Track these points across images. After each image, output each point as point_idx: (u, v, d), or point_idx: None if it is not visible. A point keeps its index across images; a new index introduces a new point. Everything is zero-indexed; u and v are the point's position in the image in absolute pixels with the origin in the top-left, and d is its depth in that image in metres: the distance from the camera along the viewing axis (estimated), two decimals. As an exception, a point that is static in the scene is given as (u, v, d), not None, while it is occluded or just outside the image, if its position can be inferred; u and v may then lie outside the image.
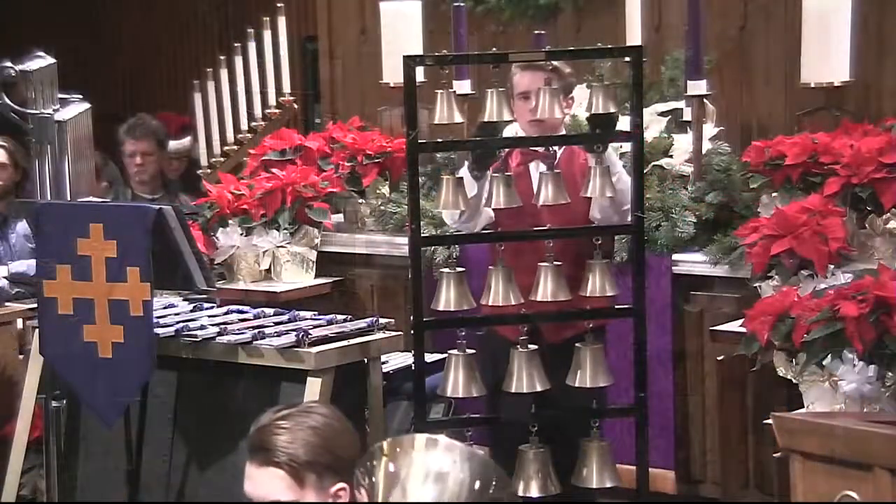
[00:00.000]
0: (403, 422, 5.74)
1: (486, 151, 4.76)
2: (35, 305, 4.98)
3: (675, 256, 5.63)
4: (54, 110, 5.02)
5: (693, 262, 5.61)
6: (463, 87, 6.19)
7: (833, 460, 3.74)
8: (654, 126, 6.06)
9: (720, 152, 5.89)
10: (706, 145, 5.87)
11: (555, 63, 4.82)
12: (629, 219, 4.83)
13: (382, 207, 6.40)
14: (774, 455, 4.47)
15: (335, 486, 3.06)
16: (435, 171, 6.14)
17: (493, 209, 4.79)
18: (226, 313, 5.13)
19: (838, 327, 4.34)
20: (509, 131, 5.63)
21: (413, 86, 4.64)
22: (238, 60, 7.60)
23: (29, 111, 5.00)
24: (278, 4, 7.57)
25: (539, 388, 4.71)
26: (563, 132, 5.09)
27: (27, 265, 6.25)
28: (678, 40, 6.20)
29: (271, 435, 3.07)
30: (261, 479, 3.07)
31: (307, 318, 4.97)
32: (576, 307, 4.80)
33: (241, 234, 6.19)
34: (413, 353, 4.73)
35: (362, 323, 4.87)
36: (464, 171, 4.85)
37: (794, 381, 4.60)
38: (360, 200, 6.46)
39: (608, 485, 4.82)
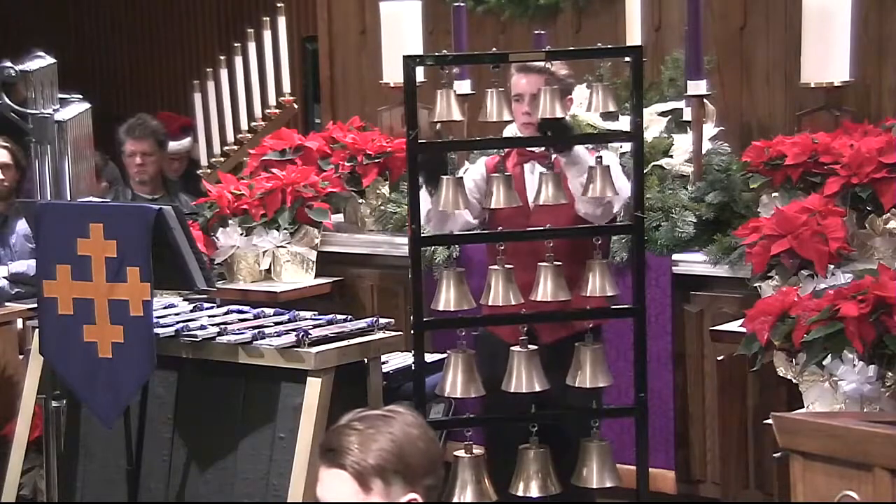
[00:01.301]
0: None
1: (434, 167, 4.75)
2: (35, 305, 4.97)
3: (675, 256, 5.63)
4: (54, 110, 5.02)
5: (693, 262, 5.61)
6: (463, 87, 6.19)
7: (833, 460, 3.74)
8: (654, 126, 6.06)
9: (720, 152, 5.90)
10: (706, 145, 5.87)
11: (551, 65, 4.80)
12: (615, 210, 4.83)
13: (382, 207, 6.40)
14: (774, 455, 4.47)
15: (406, 496, 2.94)
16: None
17: (493, 209, 4.79)
18: (226, 313, 5.13)
19: (838, 327, 4.34)
20: (508, 131, 5.64)
21: (413, 86, 4.64)
22: (238, 60, 7.60)
23: (29, 111, 5.00)
24: (278, 4, 7.58)
25: (538, 389, 4.71)
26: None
27: (27, 265, 6.25)
28: (678, 40, 6.20)
29: (343, 435, 2.96)
30: (327, 481, 2.97)
31: (307, 318, 4.97)
32: (575, 307, 4.80)
33: (241, 234, 6.19)
34: (413, 353, 4.73)
35: (362, 323, 4.87)
36: (465, 172, 4.85)
37: (794, 381, 4.60)
38: (360, 200, 6.46)
39: (608, 485, 4.82)
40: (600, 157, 4.70)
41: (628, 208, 4.91)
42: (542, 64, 4.81)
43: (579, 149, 4.83)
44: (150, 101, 9.49)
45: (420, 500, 2.93)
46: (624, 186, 4.82)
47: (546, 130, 4.76)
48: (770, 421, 3.98)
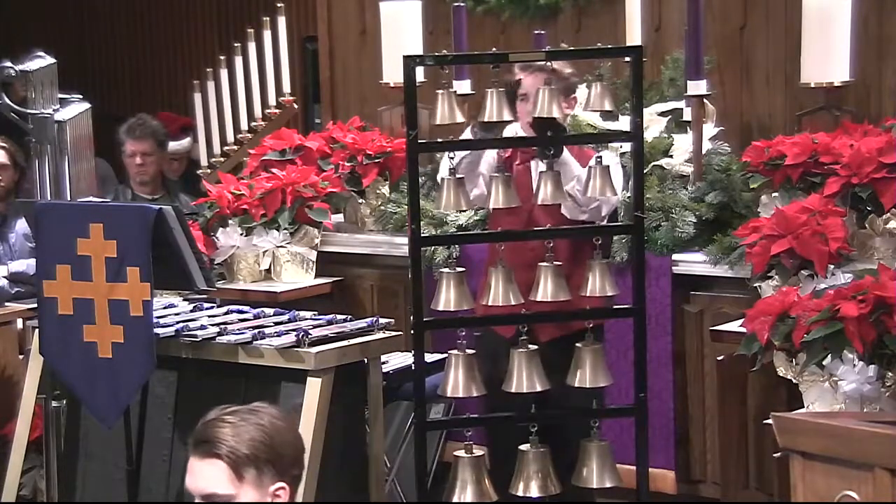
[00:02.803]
0: (403, 422, 5.75)
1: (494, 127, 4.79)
2: (35, 305, 4.97)
3: (675, 256, 5.63)
4: (54, 110, 5.03)
5: (693, 262, 5.61)
6: (463, 87, 6.19)
7: (833, 460, 3.74)
8: (654, 126, 6.06)
9: (720, 152, 5.89)
10: (706, 145, 5.87)
11: (554, 64, 4.81)
12: (603, 213, 4.84)
13: (382, 207, 6.40)
14: (774, 455, 4.47)
15: (275, 485, 3.09)
16: (435, 171, 6.14)
17: (493, 209, 4.79)
18: (226, 313, 5.13)
19: (838, 327, 4.34)
20: (509, 131, 5.63)
21: (413, 86, 4.64)
22: (238, 60, 7.60)
23: (29, 111, 5.00)
24: (278, 4, 7.57)
25: (538, 388, 4.71)
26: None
27: (27, 265, 6.24)
28: (678, 40, 6.20)
29: (215, 428, 3.10)
30: (201, 472, 3.09)
31: (307, 318, 4.97)
32: (575, 307, 4.80)
33: (241, 234, 6.19)
34: (413, 353, 4.73)
35: (362, 323, 4.87)
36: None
37: (794, 381, 4.60)
38: (360, 200, 6.46)
39: (608, 485, 4.82)
40: (600, 157, 4.70)
41: (628, 208, 4.91)
42: (547, 63, 4.82)
43: (566, 155, 4.84)
44: (150, 101, 9.48)
45: (287, 488, 3.09)
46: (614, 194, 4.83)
47: (540, 129, 4.76)
48: (770, 421, 3.98)
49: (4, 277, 6.37)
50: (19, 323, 5.92)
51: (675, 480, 5.67)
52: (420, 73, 5.74)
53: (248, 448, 3.06)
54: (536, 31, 6.40)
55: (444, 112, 4.70)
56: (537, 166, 4.91)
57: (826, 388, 4.47)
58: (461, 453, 4.73)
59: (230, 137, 7.68)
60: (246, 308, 5.17)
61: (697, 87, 5.74)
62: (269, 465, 3.08)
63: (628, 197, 4.88)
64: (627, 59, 4.83)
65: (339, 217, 6.57)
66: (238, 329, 4.82)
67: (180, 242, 4.71)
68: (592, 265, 4.73)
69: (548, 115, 4.65)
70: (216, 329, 4.79)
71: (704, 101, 5.86)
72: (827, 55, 5.76)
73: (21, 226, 6.49)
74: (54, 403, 4.95)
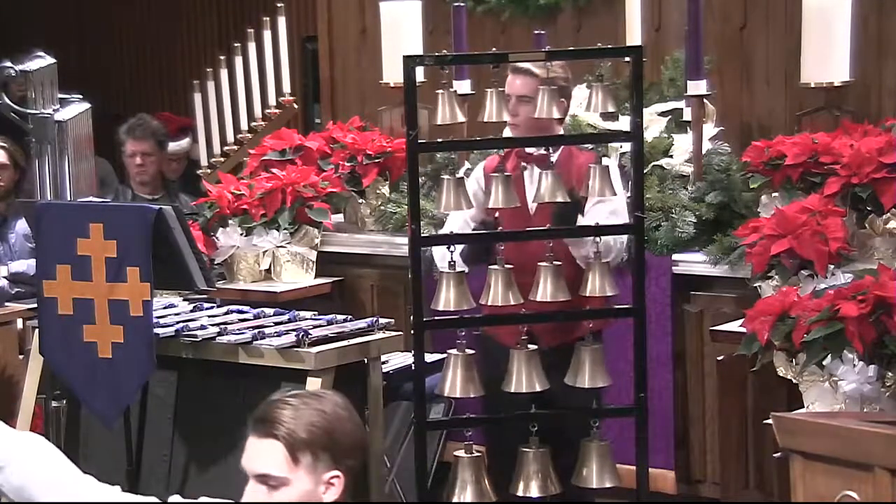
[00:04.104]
0: (403, 422, 5.75)
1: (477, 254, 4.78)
2: (35, 305, 4.97)
3: (675, 256, 5.63)
4: (54, 110, 5.03)
5: (693, 262, 5.61)
6: (463, 87, 6.19)
7: (833, 460, 3.74)
8: (654, 126, 6.06)
9: (720, 152, 5.89)
10: (706, 145, 5.87)
11: (550, 65, 4.79)
12: (611, 257, 4.83)
13: (382, 207, 6.40)
14: (774, 455, 4.47)
15: (329, 473, 3.06)
16: (435, 171, 6.14)
17: (493, 209, 4.78)
18: (226, 313, 5.13)
19: (838, 327, 4.34)
20: (509, 132, 5.62)
21: (413, 86, 4.64)
22: (238, 60, 7.60)
23: (29, 111, 5.00)
24: (278, 4, 7.57)
25: (538, 389, 4.71)
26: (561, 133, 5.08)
27: (27, 265, 6.25)
28: (678, 40, 6.20)
29: (276, 409, 3.07)
30: (258, 451, 3.07)
31: (307, 318, 4.97)
32: (575, 308, 4.80)
33: (241, 234, 6.19)
34: (413, 353, 4.73)
35: (362, 323, 4.87)
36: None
37: (794, 381, 4.59)
38: (360, 200, 6.46)
39: (608, 485, 4.82)
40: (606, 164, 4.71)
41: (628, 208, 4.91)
42: (532, 67, 4.80)
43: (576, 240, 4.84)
44: (150, 101, 9.49)
45: (342, 478, 3.05)
46: (619, 239, 4.82)
47: (556, 218, 4.75)
48: (770, 421, 3.98)
49: (4, 277, 6.37)
50: (19, 323, 5.92)
51: (675, 480, 5.67)
52: (420, 73, 5.74)
53: (306, 432, 3.03)
54: (536, 31, 6.40)
55: (444, 112, 4.70)
56: (531, 172, 4.90)
57: (826, 388, 4.47)
58: (461, 453, 4.73)
59: (230, 137, 7.69)
60: (246, 308, 5.17)
61: (697, 87, 5.74)
62: (325, 451, 3.05)
63: (628, 197, 4.87)
64: (627, 59, 4.83)
65: (339, 217, 6.57)
66: (238, 329, 4.82)
67: (180, 242, 4.71)
68: (592, 265, 4.72)
69: (550, 199, 4.66)
70: (216, 329, 4.79)
71: (704, 101, 5.86)
72: (827, 55, 5.76)
73: (21, 226, 6.49)
74: (54, 403, 4.95)
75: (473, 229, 4.84)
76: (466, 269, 4.79)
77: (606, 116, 5.84)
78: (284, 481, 3.05)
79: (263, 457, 3.07)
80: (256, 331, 4.77)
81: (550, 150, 4.83)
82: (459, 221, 4.93)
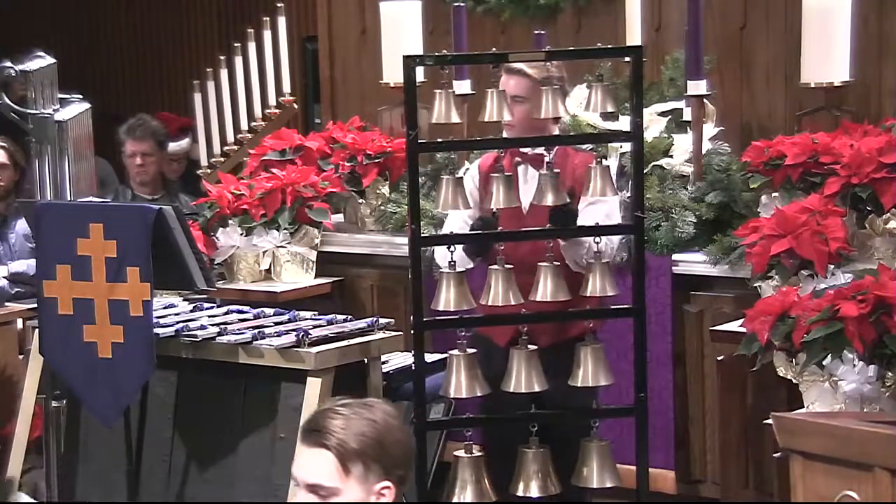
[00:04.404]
0: (403, 422, 5.74)
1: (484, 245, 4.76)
2: (35, 305, 4.97)
3: (675, 256, 5.63)
4: (54, 110, 5.02)
5: (693, 262, 5.61)
6: (463, 87, 6.19)
7: (833, 460, 3.74)
8: (654, 126, 6.06)
9: (720, 152, 5.89)
10: (706, 145, 5.87)
11: (526, 69, 4.78)
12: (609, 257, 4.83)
13: (382, 207, 6.40)
14: (774, 455, 4.47)
15: (380, 484, 3.03)
16: (435, 171, 6.14)
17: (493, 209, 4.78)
18: (226, 313, 5.13)
19: (838, 327, 4.34)
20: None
21: (413, 86, 4.64)
22: (238, 60, 7.60)
23: (29, 111, 5.00)
24: (278, 4, 7.57)
25: (537, 389, 4.71)
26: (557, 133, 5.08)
27: (27, 265, 6.25)
28: (678, 40, 6.20)
29: (327, 418, 3.05)
30: (308, 460, 3.04)
31: (307, 318, 4.97)
32: (575, 308, 4.80)
33: (241, 234, 6.19)
34: (413, 353, 4.73)
35: (362, 323, 4.87)
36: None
37: (794, 381, 4.60)
38: (360, 200, 6.46)
39: (608, 485, 4.82)
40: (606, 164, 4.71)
41: (628, 208, 4.91)
42: (525, 67, 4.80)
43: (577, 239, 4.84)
44: (150, 101, 9.49)
45: (393, 488, 3.02)
46: (610, 243, 4.82)
47: (553, 220, 4.74)
48: (770, 421, 3.98)
49: (4, 277, 6.38)
50: (19, 323, 5.92)
51: (675, 480, 5.67)
52: (420, 73, 5.73)
53: (357, 443, 3.01)
54: (536, 31, 6.40)
55: (441, 111, 4.70)
56: (525, 172, 4.90)
57: (826, 388, 4.47)
58: (461, 453, 4.73)
59: (230, 137, 7.69)
60: (246, 308, 5.17)
61: (697, 87, 5.74)
62: (376, 462, 3.02)
63: (628, 197, 4.87)
64: (627, 59, 4.83)
65: (339, 217, 6.57)
66: (238, 329, 4.82)
67: (180, 242, 4.71)
68: (592, 265, 4.72)
69: (547, 200, 4.65)
70: (216, 329, 4.79)
71: (704, 101, 5.86)
72: (827, 55, 5.76)
73: (21, 226, 6.49)
74: (54, 403, 4.95)
75: (471, 227, 4.83)
76: (472, 264, 4.79)
77: (606, 116, 5.84)
78: (335, 491, 3.03)
79: (314, 467, 3.04)
80: (256, 331, 4.77)
81: (545, 151, 4.84)
82: (458, 221, 4.93)
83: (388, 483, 3.03)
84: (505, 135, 4.95)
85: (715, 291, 5.59)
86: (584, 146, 5.09)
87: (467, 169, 5.67)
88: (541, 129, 4.86)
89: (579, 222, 4.78)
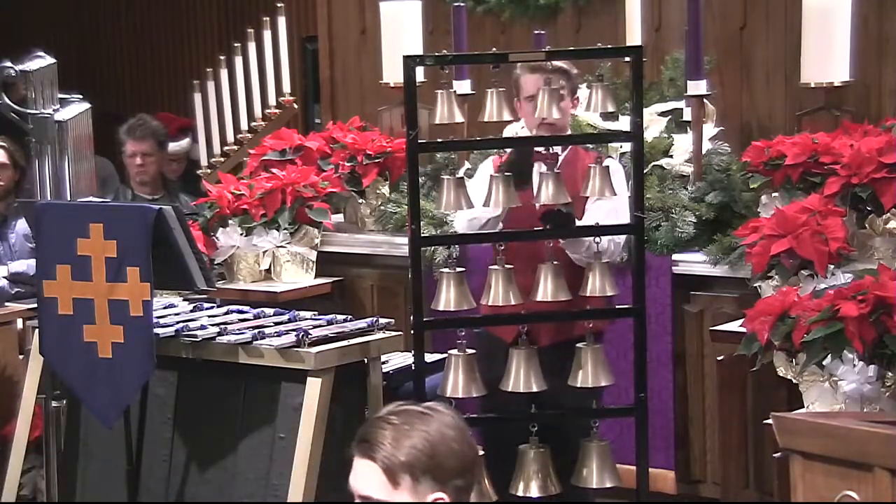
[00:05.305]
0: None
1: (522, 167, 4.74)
2: (35, 305, 4.97)
3: (675, 256, 5.63)
4: (54, 110, 5.02)
5: (693, 262, 5.62)
6: (463, 87, 6.20)
7: (833, 460, 3.74)
8: (654, 126, 6.07)
9: (720, 152, 5.90)
10: (706, 145, 5.87)
11: (561, 64, 4.82)
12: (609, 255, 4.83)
13: (382, 207, 6.40)
14: (774, 455, 4.47)
15: (433, 495, 2.94)
16: (435, 171, 6.14)
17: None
18: (226, 313, 5.13)
19: (838, 327, 4.34)
20: (509, 131, 5.63)
21: (413, 86, 4.64)
22: (238, 60, 7.60)
23: (29, 111, 5.00)
24: (278, 4, 7.57)
25: (536, 389, 4.71)
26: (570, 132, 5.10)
27: (27, 265, 6.25)
28: (678, 40, 6.20)
29: (378, 428, 2.97)
30: (359, 471, 2.98)
31: (307, 318, 4.97)
32: (575, 308, 4.80)
33: (241, 234, 6.19)
34: (413, 353, 4.73)
35: (362, 323, 4.87)
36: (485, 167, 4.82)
37: (794, 381, 4.60)
38: (360, 200, 6.46)
39: (608, 485, 4.82)
40: (606, 164, 4.71)
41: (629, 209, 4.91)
42: (544, 64, 4.82)
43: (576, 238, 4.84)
44: (150, 101, 9.49)
45: (447, 499, 2.93)
46: (614, 240, 4.83)
47: (548, 222, 4.74)
48: (770, 421, 3.98)
49: (4, 277, 6.38)
50: (19, 323, 5.92)
51: (675, 480, 5.67)
52: (420, 73, 5.74)
53: (406, 455, 2.92)
54: (536, 31, 6.40)
55: (443, 112, 4.70)
56: (539, 168, 4.90)
57: (826, 388, 4.47)
58: (461, 453, 4.72)
59: (230, 137, 7.69)
60: (246, 308, 5.17)
61: (697, 87, 5.74)
62: (426, 474, 2.92)
63: (628, 197, 4.88)
64: (627, 59, 4.83)
65: (339, 217, 6.57)
66: (238, 329, 4.82)
67: (180, 242, 4.71)
68: (592, 265, 4.73)
69: (555, 203, 4.65)
70: (216, 329, 4.79)
71: (704, 101, 5.86)
72: (827, 55, 5.76)
73: (21, 226, 6.49)
74: (54, 403, 4.95)
75: (489, 219, 4.82)
76: (499, 211, 4.75)
77: (606, 116, 5.84)
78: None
79: (364, 478, 2.96)
80: (256, 331, 4.77)
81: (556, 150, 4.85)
82: (476, 210, 4.90)
83: (441, 494, 2.94)
84: (521, 133, 4.96)
85: (715, 291, 5.59)
86: (589, 146, 5.10)
87: (469, 169, 5.68)
88: (563, 125, 4.88)
89: (587, 219, 4.79)
